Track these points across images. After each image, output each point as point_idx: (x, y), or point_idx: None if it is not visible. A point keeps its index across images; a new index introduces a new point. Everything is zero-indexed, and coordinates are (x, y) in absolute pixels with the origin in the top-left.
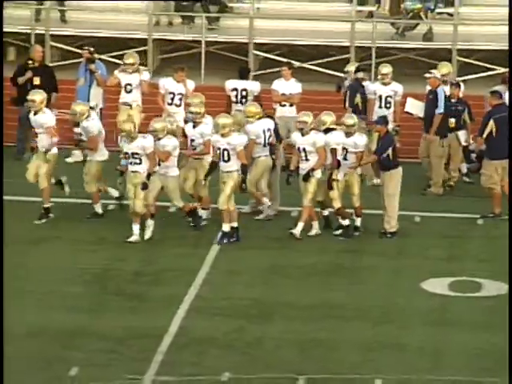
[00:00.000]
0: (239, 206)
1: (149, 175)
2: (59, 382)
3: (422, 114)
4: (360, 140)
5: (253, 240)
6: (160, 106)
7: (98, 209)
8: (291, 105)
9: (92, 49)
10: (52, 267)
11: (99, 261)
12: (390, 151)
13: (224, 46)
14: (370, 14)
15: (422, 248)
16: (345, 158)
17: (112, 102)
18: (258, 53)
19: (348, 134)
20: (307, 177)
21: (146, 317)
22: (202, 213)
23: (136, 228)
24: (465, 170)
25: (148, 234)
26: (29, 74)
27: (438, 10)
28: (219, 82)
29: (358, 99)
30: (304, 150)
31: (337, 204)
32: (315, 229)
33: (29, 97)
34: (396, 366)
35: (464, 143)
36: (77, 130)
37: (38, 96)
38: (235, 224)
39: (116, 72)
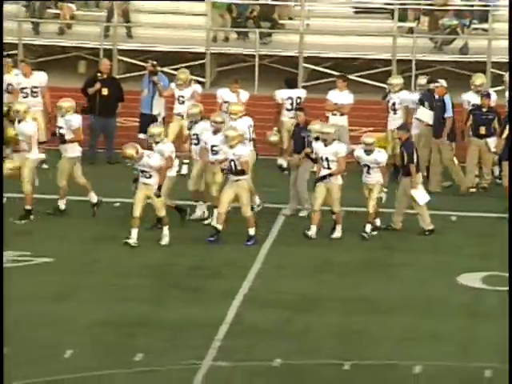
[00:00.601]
0: (283, 206)
1: (159, 186)
2: (125, 367)
3: (431, 122)
4: (380, 157)
5: (299, 237)
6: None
7: (62, 205)
8: (342, 114)
9: (155, 62)
10: (115, 263)
11: (158, 256)
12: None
13: (276, 59)
14: (410, 30)
15: (456, 245)
16: (368, 173)
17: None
18: (307, 65)
19: (368, 152)
20: (320, 180)
21: (204, 308)
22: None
23: (134, 232)
24: (497, 173)
25: (165, 241)
26: (97, 86)
27: (473, 26)
28: (271, 93)
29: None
30: (327, 159)
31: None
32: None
33: (14, 107)
34: (432, 354)
35: (493, 149)
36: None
37: (21, 106)
38: (220, 227)
39: (172, 85)
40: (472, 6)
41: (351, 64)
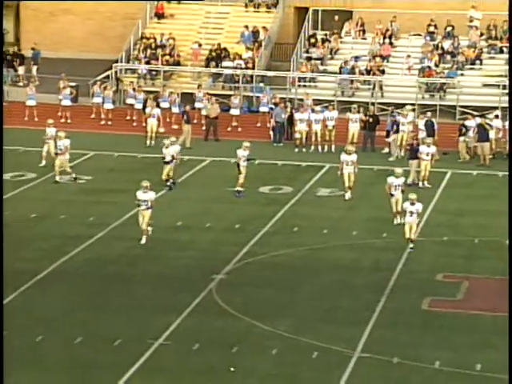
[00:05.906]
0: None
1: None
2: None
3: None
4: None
5: None
6: None
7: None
8: None
9: (393, 107)
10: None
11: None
12: None
13: None
14: None
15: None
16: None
17: None
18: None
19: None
20: (392, 195)
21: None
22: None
23: (144, 238)
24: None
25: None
26: (364, 118)
27: None
28: None
29: None
30: (399, 185)
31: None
32: None
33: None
34: None
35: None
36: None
37: None
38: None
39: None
40: None
41: None
